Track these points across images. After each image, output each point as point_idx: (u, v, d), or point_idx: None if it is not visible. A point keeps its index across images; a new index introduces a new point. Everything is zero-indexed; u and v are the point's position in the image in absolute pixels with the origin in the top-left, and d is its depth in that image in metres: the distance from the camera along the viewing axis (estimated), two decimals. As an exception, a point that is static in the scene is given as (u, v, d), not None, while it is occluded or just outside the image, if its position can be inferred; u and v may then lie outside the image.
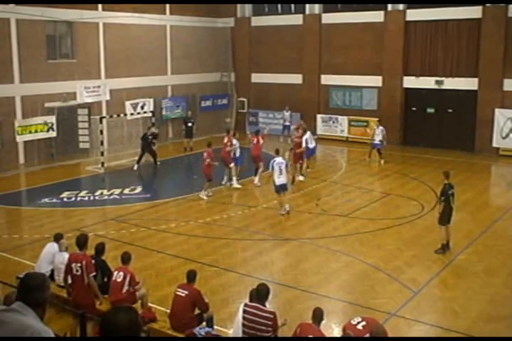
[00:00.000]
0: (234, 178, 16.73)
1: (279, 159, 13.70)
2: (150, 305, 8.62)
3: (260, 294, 6.99)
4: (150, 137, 19.58)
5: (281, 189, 13.76)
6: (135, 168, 19.20)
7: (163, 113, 24.23)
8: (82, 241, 8.18)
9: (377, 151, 19.87)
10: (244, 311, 6.93)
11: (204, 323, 7.86)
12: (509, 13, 20.85)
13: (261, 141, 17.36)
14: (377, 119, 21.53)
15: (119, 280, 8.15)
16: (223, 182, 16.89)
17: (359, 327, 6.51)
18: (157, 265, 10.93)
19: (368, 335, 6.49)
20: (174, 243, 12.22)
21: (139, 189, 16.63)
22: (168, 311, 8.02)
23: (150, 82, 23.43)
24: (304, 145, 17.31)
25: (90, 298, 7.99)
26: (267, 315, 6.83)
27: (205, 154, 15.77)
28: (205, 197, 15.52)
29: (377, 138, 19.81)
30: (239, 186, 16.65)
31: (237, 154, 17.14)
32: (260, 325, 6.81)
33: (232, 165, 16.66)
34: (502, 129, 21.16)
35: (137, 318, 2.83)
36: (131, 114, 20.19)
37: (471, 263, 11.00)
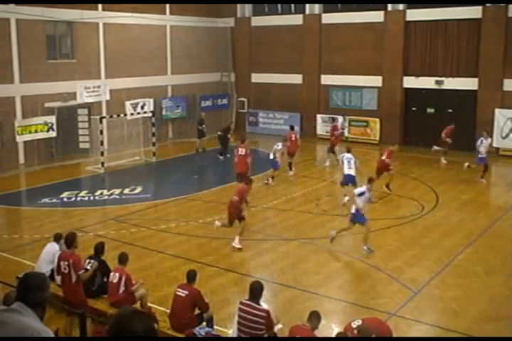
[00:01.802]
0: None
1: (348, 154, 14.80)
2: (150, 305, 8.61)
3: (253, 292, 6.98)
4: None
5: (348, 180, 14.50)
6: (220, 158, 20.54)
7: (163, 113, 24.23)
8: (70, 240, 8.23)
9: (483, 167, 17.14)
10: (239, 309, 6.96)
11: (204, 323, 7.85)
12: (509, 13, 20.85)
13: (298, 139, 18.26)
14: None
15: (114, 281, 8.14)
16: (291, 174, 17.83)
17: (355, 331, 6.51)
18: (157, 265, 10.93)
19: None
20: (174, 243, 12.22)
21: (139, 189, 16.62)
22: (168, 311, 8.01)
23: (150, 82, 23.43)
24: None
25: (80, 295, 8.03)
26: (260, 313, 6.81)
27: (242, 150, 15.61)
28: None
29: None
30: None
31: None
32: (253, 323, 6.81)
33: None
34: (502, 129, 21.16)
35: (153, 326, 2.74)
36: (131, 114, 20.18)
37: (471, 263, 11.00)
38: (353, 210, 11.57)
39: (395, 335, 6.85)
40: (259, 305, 6.92)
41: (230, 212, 11.70)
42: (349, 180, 14.48)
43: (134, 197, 15.77)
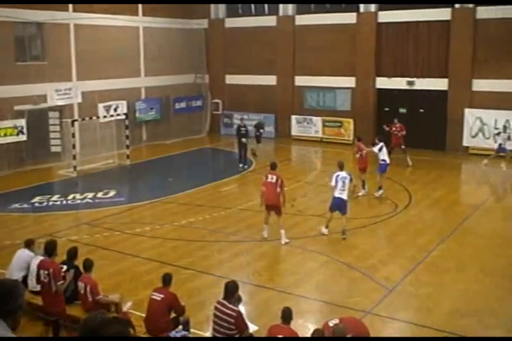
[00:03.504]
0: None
1: (343, 173, 12.39)
2: (125, 309, 8.53)
3: (227, 291, 7.07)
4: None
5: (337, 205, 12.28)
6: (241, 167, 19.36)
7: (137, 115, 24.06)
8: (50, 248, 8.06)
9: None
10: (214, 308, 7.08)
11: (180, 327, 7.82)
12: (477, 15, 21.26)
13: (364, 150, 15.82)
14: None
15: (82, 292, 7.99)
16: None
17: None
18: (132, 269, 10.84)
19: None
20: (149, 246, 12.13)
21: (112, 192, 16.47)
22: (144, 315, 7.96)
23: (123, 84, 23.23)
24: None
25: (61, 305, 7.90)
26: (230, 312, 6.89)
27: (363, 146, 15.75)
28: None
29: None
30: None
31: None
32: (224, 322, 6.90)
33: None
34: (471, 128, 21.55)
35: (125, 331, 2.69)
36: (104, 117, 20.02)
37: (444, 259, 11.19)
38: (344, 197, 12.24)
39: (371, 333, 6.91)
40: (231, 304, 6.97)
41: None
42: (339, 206, 12.29)
43: (108, 201, 15.62)
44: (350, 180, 12.45)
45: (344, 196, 12.25)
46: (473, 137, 21.56)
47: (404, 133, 19.88)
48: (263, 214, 12.36)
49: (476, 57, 21.41)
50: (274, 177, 11.92)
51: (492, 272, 10.54)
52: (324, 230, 12.50)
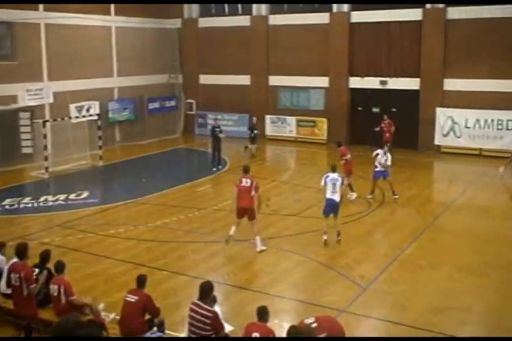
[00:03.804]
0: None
1: (334, 175, 12.09)
2: (99, 311, 8.43)
3: (202, 292, 7.05)
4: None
5: (331, 208, 11.98)
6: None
7: (110, 115, 23.81)
8: (21, 250, 7.93)
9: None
10: (189, 309, 7.05)
11: (155, 328, 7.77)
12: (448, 16, 21.59)
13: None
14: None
15: (55, 294, 7.85)
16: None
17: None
18: (106, 271, 10.72)
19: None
20: (123, 248, 12.02)
21: (85, 194, 16.27)
22: (118, 317, 7.88)
23: (95, 84, 22.96)
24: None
25: (33, 309, 7.77)
26: (205, 313, 6.88)
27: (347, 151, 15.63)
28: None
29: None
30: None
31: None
32: (199, 323, 6.89)
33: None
34: (443, 127, 21.88)
35: (97, 333, 2.66)
36: (76, 117, 19.77)
37: (417, 257, 11.33)
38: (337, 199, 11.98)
39: (345, 331, 6.95)
40: (206, 305, 6.96)
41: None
42: (333, 207, 11.99)
43: (81, 203, 15.42)
44: (342, 183, 12.19)
45: (336, 197, 11.93)
46: (445, 136, 21.90)
47: (393, 129, 20.28)
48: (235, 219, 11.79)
49: (447, 57, 21.74)
50: (249, 181, 11.65)
51: (465, 269, 10.70)
52: (325, 236, 11.95)
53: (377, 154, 15.16)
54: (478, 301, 9.40)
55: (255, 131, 21.51)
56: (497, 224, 13.55)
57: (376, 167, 15.25)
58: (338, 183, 11.96)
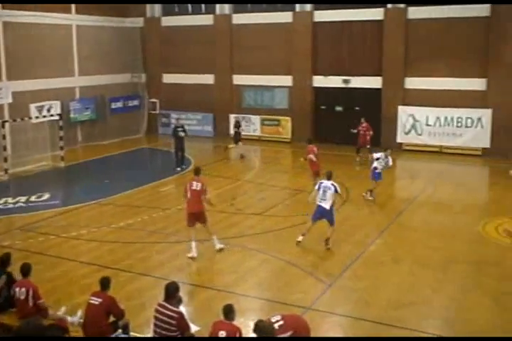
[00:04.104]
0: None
1: (327, 183, 11.87)
2: (61, 314, 8.29)
3: (167, 293, 7.06)
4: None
5: (320, 214, 11.80)
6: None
7: (71, 115, 23.39)
8: None
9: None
10: (155, 310, 7.04)
11: (120, 330, 7.70)
12: (408, 15, 21.97)
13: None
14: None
15: (22, 297, 7.70)
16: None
17: (275, 326, 6.64)
18: (69, 273, 10.56)
19: (282, 336, 6.63)
20: (86, 250, 11.85)
21: (46, 195, 15.97)
22: (82, 320, 7.77)
23: (56, 83, 22.52)
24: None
25: None
26: (171, 313, 6.89)
27: (314, 149, 15.33)
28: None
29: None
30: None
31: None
32: (165, 324, 6.89)
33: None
34: (404, 125, 22.28)
35: (61, 337, 2.64)
36: (37, 118, 19.38)
37: (380, 253, 11.52)
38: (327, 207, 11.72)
39: (311, 328, 7.02)
40: (172, 305, 6.95)
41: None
42: (322, 214, 11.78)
43: (42, 204, 15.13)
44: (335, 191, 11.73)
45: (325, 205, 11.67)
46: (407, 134, 22.31)
47: (371, 133, 20.16)
48: (187, 227, 11.59)
49: (408, 56, 22.14)
50: (199, 185, 11.42)
51: (426, 264, 10.92)
52: (300, 237, 11.90)
53: (378, 158, 15.27)
54: (439, 295, 9.61)
55: (241, 128, 21.59)
56: (457, 219, 13.87)
57: (376, 169, 15.27)
58: (330, 192, 11.67)
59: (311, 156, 15.50)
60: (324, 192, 11.68)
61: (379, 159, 15.26)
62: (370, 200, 15.30)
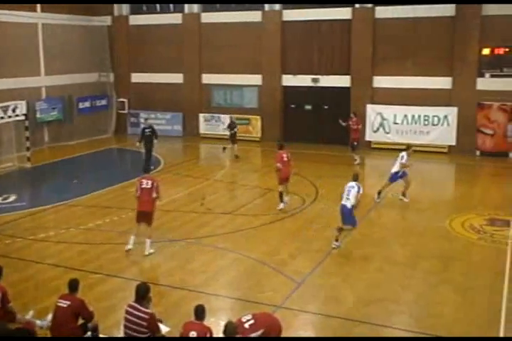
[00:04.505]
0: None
1: (352, 183, 11.89)
2: (29, 318, 8.16)
3: (138, 294, 7.01)
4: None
5: (342, 214, 11.72)
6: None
7: (38, 116, 22.97)
8: None
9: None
10: (125, 311, 6.99)
11: (89, 333, 7.62)
12: (376, 15, 22.23)
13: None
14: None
15: None
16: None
17: (246, 325, 6.69)
18: (36, 276, 10.39)
19: (253, 335, 6.67)
20: (54, 252, 11.67)
21: (12, 197, 15.66)
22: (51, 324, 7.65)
23: (22, 83, 22.06)
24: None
25: None
26: (142, 315, 6.86)
27: (283, 155, 14.25)
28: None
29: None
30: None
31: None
32: (135, 325, 6.85)
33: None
34: (373, 124, 22.54)
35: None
36: (1, 118, 18.96)
37: (350, 251, 11.63)
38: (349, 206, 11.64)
39: (282, 326, 7.07)
40: (143, 306, 6.92)
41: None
42: (341, 212, 11.74)
43: (8, 206, 14.83)
44: (358, 191, 11.67)
45: (347, 203, 11.64)
46: (375, 132, 22.57)
47: (360, 126, 20.16)
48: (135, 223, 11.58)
49: (376, 55, 22.40)
50: (150, 183, 11.30)
51: (395, 261, 11.08)
52: (335, 243, 11.75)
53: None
54: (407, 291, 9.76)
55: (235, 129, 21.16)
56: (424, 216, 14.10)
57: (397, 173, 14.76)
58: (353, 190, 11.65)
59: (278, 165, 14.23)
60: (348, 191, 11.73)
61: (403, 158, 14.77)
62: (405, 201, 15.04)
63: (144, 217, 11.41)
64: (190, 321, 6.80)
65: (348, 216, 11.65)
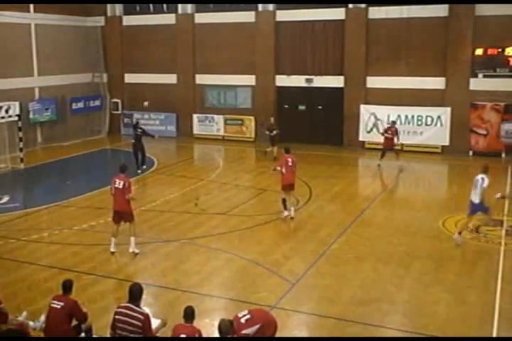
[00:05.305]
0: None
1: (479, 175, 11.53)
2: (22, 319, 8.13)
3: (132, 294, 6.94)
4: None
5: (473, 208, 11.55)
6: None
7: (31, 116, 22.90)
8: None
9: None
10: (117, 312, 6.87)
11: (83, 334, 7.60)
12: (369, 15, 22.28)
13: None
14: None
15: None
16: None
17: (242, 320, 6.71)
18: (29, 277, 10.34)
19: (247, 330, 6.68)
20: (48, 253, 11.63)
21: (6, 198, 15.59)
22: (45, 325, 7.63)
23: (15, 83, 21.98)
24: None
25: None
26: (138, 315, 6.79)
27: (289, 159, 13.45)
28: None
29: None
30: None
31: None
32: (128, 325, 6.78)
33: None
34: (367, 124, 22.59)
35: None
36: (-6, 119, 18.90)
37: (343, 251, 11.64)
38: (476, 200, 11.58)
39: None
40: (138, 307, 6.87)
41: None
42: (471, 209, 11.58)
43: (1, 207, 14.75)
44: (482, 183, 11.32)
45: (474, 199, 11.53)
46: (368, 132, 22.61)
47: (394, 137, 19.08)
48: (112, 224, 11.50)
49: (369, 55, 22.45)
50: (121, 183, 11.19)
51: (389, 261, 11.10)
52: (456, 235, 11.82)
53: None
54: (400, 291, 9.79)
55: (274, 132, 20.86)
56: (418, 216, 14.14)
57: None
58: (479, 183, 11.38)
59: (279, 168, 13.51)
60: (475, 185, 11.58)
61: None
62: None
63: (121, 216, 11.39)
64: (179, 324, 6.75)
65: (477, 209, 11.65)
